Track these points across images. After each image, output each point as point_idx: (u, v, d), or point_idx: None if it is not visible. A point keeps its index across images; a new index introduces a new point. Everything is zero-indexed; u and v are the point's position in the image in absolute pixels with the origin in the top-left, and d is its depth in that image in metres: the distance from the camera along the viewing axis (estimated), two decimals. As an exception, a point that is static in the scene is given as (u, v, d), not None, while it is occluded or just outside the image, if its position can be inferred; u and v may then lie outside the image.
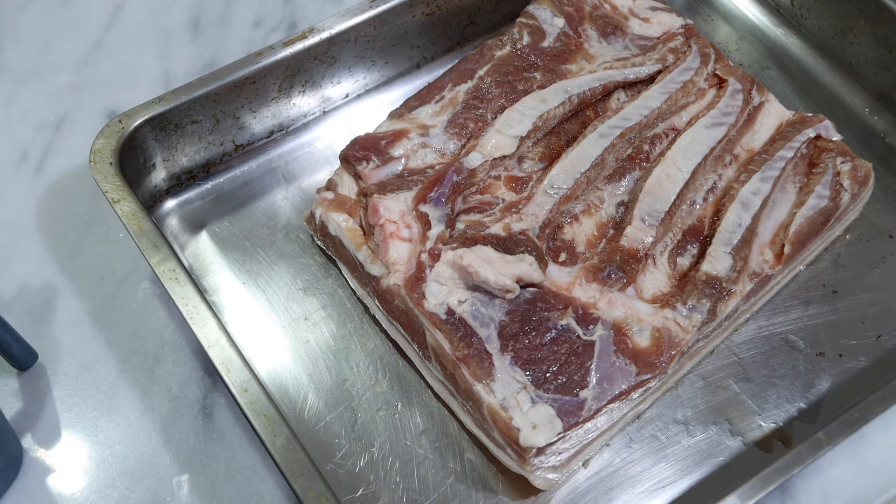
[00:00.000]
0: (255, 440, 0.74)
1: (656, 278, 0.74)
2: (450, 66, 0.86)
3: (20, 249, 0.84)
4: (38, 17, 1.01)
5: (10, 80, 0.96)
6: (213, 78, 0.83)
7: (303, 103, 0.90)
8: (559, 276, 0.73)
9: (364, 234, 0.76)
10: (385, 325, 0.77)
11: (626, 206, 0.77)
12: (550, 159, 0.80)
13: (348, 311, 0.80)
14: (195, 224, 0.85)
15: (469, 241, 0.72)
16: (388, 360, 0.77)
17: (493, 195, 0.77)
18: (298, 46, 0.85)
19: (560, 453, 0.69)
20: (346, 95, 0.92)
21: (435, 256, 0.72)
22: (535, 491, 0.71)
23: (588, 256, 0.75)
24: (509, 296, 0.70)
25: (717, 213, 0.78)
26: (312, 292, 0.81)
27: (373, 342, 0.78)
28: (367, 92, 0.93)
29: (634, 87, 0.85)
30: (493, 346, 0.69)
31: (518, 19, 0.88)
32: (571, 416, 0.66)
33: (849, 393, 0.75)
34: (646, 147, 0.81)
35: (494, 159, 0.78)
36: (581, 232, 0.76)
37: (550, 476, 0.70)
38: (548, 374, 0.68)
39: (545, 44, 0.86)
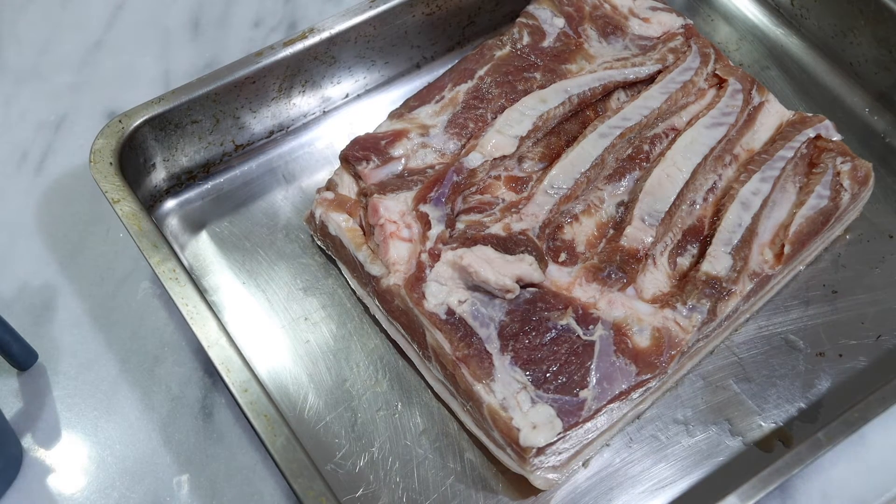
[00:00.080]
0: (255, 440, 0.74)
1: (656, 278, 0.74)
2: (450, 66, 0.86)
3: (20, 249, 0.84)
4: (38, 17, 1.01)
5: (10, 80, 0.96)
6: (213, 78, 0.83)
7: (303, 103, 0.90)
8: (559, 276, 0.73)
9: (364, 234, 0.76)
10: (385, 325, 0.77)
11: (626, 206, 0.77)
12: (550, 159, 0.80)
13: (348, 311, 0.80)
14: (195, 224, 0.85)
15: (469, 241, 0.72)
16: (388, 360, 0.77)
17: (493, 195, 0.77)
18: (298, 46, 0.85)
19: (560, 453, 0.69)
20: (346, 95, 0.92)
21: (435, 256, 0.72)
22: (535, 491, 0.71)
23: (588, 256, 0.75)
24: (509, 296, 0.70)
25: (717, 213, 0.78)
26: (312, 292, 0.81)
27: (373, 342, 0.78)
28: (367, 92, 0.93)
29: (634, 87, 0.85)
30: (493, 346, 0.69)
31: (518, 19, 0.88)
32: (571, 416, 0.66)
33: (849, 393, 0.75)
34: (646, 147, 0.81)
35: (494, 159, 0.78)
36: (581, 232, 0.76)
37: (550, 476, 0.70)
38: (548, 374, 0.68)
39: (545, 44, 0.86)
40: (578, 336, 0.69)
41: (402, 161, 0.79)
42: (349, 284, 0.80)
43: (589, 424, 0.68)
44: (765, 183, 0.78)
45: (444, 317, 0.69)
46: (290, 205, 0.86)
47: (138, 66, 0.97)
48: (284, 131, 0.90)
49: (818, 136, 0.82)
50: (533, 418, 0.66)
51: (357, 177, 0.78)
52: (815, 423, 0.74)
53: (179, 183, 0.87)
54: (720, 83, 0.85)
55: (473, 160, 0.77)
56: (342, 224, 0.76)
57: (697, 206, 0.78)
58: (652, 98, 0.82)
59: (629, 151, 0.80)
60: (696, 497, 0.71)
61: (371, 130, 0.81)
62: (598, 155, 0.78)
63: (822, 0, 0.94)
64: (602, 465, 0.73)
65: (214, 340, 0.69)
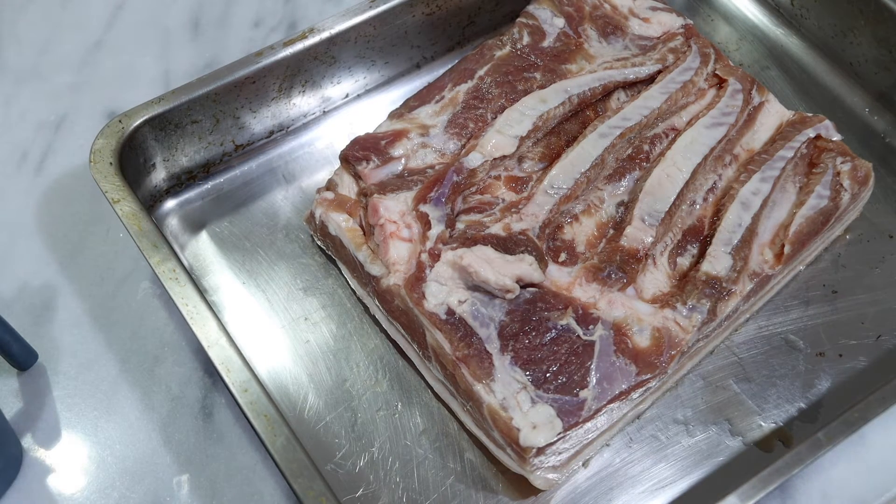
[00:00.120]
0: (255, 440, 0.74)
1: (656, 278, 0.74)
2: (450, 66, 0.86)
3: (20, 249, 0.84)
4: (38, 17, 1.01)
5: (10, 80, 0.96)
6: (213, 78, 0.83)
7: (303, 103, 0.90)
8: (559, 276, 0.73)
9: (364, 234, 0.76)
10: (385, 325, 0.77)
11: (626, 206, 0.77)
12: (550, 159, 0.80)
13: (348, 311, 0.80)
14: (195, 224, 0.85)
15: (469, 241, 0.72)
16: (388, 360, 0.77)
17: (493, 195, 0.77)
18: (298, 46, 0.85)
19: (560, 453, 0.69)
20: (346, 95, 0.92)
21: (435, 256, 0.72)
22: (535, 491, 0.71)
23: (588, 256, 0.75)
24: (509, 296, 0.70)
25: (717, 213, 0.78)
26: (312, 292, 0.81)
27: (373, 342, 0.78)
28: (367, 92, 0.93)
29: (634, 87, 0.85)
30: (493, 346, 0.69)
31: (518, 19, 0.88)
32: (571, 416, 0.66)
33: (849, 393, 0.75)
34: (646, 147, 0.81)
35: (494, 159, 0.78)
36: (581, 232, 0.76)
37: (550, 476, 0.70)
38: (548, 374, 0.68)
39: (545, 44, 0.86)
40: (578, 336, 0.69)
41: (402, 161, 0.79)
42: (349, 284, 0.80)
43: (589, 424, 0.68)
44: (765, 183, 0.78)
45: (444, 317, 0.69)
46: (290, 205, 0.86)
47: (138, 66, 0.97)
48: (284, 131, 0.90)
49: (818, 136, 0.82)
50: (533, 418, 0.66)
51: (357, 177, 0.78)
52: (815, 423, 0.74)
53: (179, 183, 0.87)
54: (720, 83, 0.85)
55: (473, 160, 0.77)
56: (342, 224, 0.76)
57: (697, 206, 0.78)
58: (652, 98, 0.82)
59: (629, 151, 0.80)
60: (696, 497, 0.71)
61: (371, 130, 0.81)
62: (598, 155, 0.78)
63: (822, 0, 0.94)
64: (602, 465, 0.73)
65: (214, 340, 0.69)
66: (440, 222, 0.74)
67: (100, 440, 0.74)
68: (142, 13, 1.01)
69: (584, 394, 0.67)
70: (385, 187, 0.76)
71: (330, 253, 0.81)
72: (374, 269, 0.74)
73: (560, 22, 0.88)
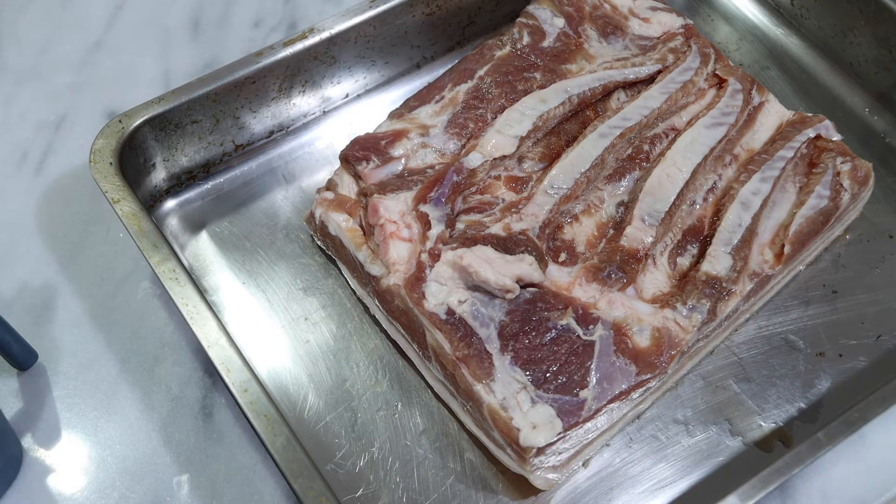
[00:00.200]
0: (255, 440, 0.74)
1: (656, 278, 0.74)
2: (450, 66, 0.86)
3: (20, 249, 0.84)
4: (38, 17, 1.01)
5: (10, 80, 0.96)
6: (213, 78, 0.83)
7: (303, 103, 0.90)
8: (559, 276, 0.73)
9: (364, 234, 0.76)
10: (385, 325, 0.77)
11: (626, 206, 0.77)
12: (550, 159, 0.80)
13: (348, 311, 0.80)
14: (195, 224, 0.85)
15: (469, 241, 0.72)
16: (388, 360, 0.77)
17: (493, 195, 0.77)
18: (298, 46, 0.85)
19: (560, 453, 0.69)
20: (346, 95, 0.92)
21: (435, 256, 0.72)
22: (535, 491, 0.71)
23: (588, 256, 0.75)
24: (509, 296, 0.70)
25: (717, 213, 0.78)
26: (312, 292, 0.81)
27: (373, 342, 0.78)
28: (367, 92, 0.93)
29: (634, 87, 0.85)
30: (493, 346, 0.69)
31: (518, 19, 0.88)
32: (571, 416, 0.66)
33: (849, 393, 0.75)
34: (646, 147, 0.81)
35: (494, 159, 0.78)
36: (581, 232, 0.76)
37: (550, 476, 0.70)
38: (548, 374, 0.68)
39: (545, 44, 0.86)
40: (578, 336, 0.69)
41: (402, 161, 0.79)
42: (349, 284, 0.80)
43: (589, 424, 0.68)
44: (765, 183, 0.78)
45: (444, 317, 0.69)
46: (290, 205, 0.86)
47: (138, 66, 0.97)
48: (284, 131, 0.90)
49: (818, 136, 0.82)
50: (533, 418, 0.66)
51: (357, 177, 0.78)
52: (815, 423, 0.74)
53: (179, 183, 0.87)
54: (720, 83, 0.85)
55: (473, 160, 0.77)
56: (342, 224, 0.76)
57: (697, 206, 0.78)
58: (652, 98, 0.82)
59: (629, 151, 0.80)
60: (696, 497, 0.71)
61: (371, 130, 0.81)
62: (598, 155, 0.78)
63: (822, 0, 0.94)
64: (602, 465, 0.73)
65: (214, 340, 0.69)
66: (440, 222, 0.74)
67: (100, 440, 0.74)
68: (142, 13, 1.01)
69: (584, 394, 0.67)
70: (385, 187, 0.76)
71: (330, 253, 0.81)
72: (374, 269, 0.74)
73: (560, 22, 0.88)
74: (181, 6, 1.01)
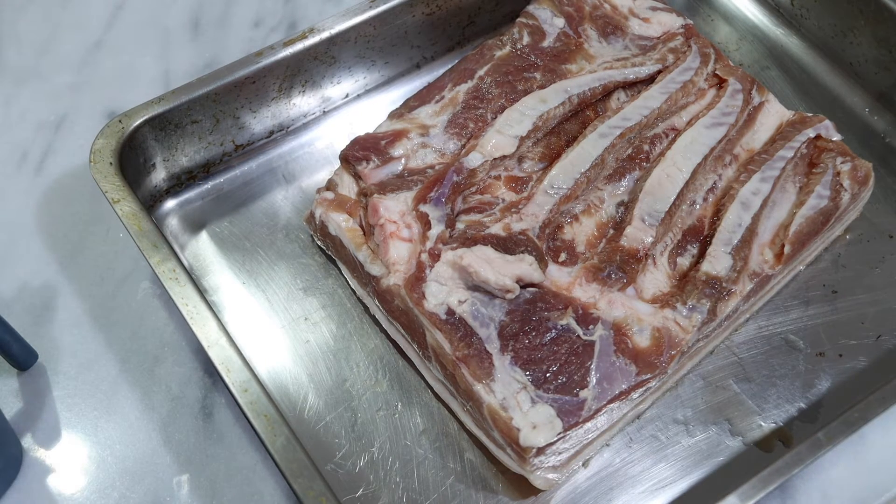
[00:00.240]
0: (255, 440, 0.74)
1: (656, 278, 0.74)
2: (450, 66, 0.86)
3: (20, 249, 0.84)
4: (38, 17, 1.01)
5: (10, 80, 0.96)
6: (213, 78, 0.83)
7: (303, 103, 0.90)
8: (559, 276, 0.73)
9: (364, 234, 0.76)
10: (385, 325, 0.77)
11: (626, 206, 0.77)
12: (550, 159, 0.80)
13: (348, 311, 0.80)
14: (195, 224, 0.85)
15: (469, 241, 0.72)
16: (388, 360, 0.77)
17: (493, 195, 0.77)
18: (298, 46, 0.85)
19: (560, 453, 0.69)
20: (346, 95, 0.92)
21: (435, 256, 0.72)
22: (535, 491, 0.71)
23: (588, 256, 0.75)
24: (509, 296, 0.70)
25: (717, 213, 0.78)
26: (312, 292, 0.81)
27: (373, 342, 0.78)
28: (367, 92, 0.93)
29: (634, 87, 0.85)
30: (493, 346, 0.69)
31: (518, 19, 0.88)
32: (571, 416, 0.66)
33: (849, 393, 0.75)
34: (646, 147, 0.81)
35: (494, 159, 0.78)
36: (581, 232, 0.76)
37: (550, 476, 0.70)
38: (548, 374, 0.68)
39: (545, 44, 0.86)
40: (578, 336, 0.69)
41: (402, 161, 0.79)
42: (349, 284, 0.80)
43: (589, 424, 0.68)
44: (765, 183, 0.78)
45: (444, 317, 0.69)
46: (290, 205, 0.86)
47: (138, 66, 0.97)
48: (284, 131, 0.90)
49: (818, 136, 0.83)
50: (533, 418, 0.66)
51: (357, 177, 0.78)
52: (815, 423, 0.74)
53: (179, 183, 0.87)
54: (720, 83, 0.85)
55: (473, 160, 0.77)
56: (342, 224, 0.76)
57: (697, 206, 0.78)
58: (652, 98, 0.82)
59: (629, 151, 0.80)
60: (696, 497, 0.71)
61: (371, 130, 0.81)
62: (598, 155, 0.78)
63: (822, 0, 0.94)
64: (602, 465, 0.73)
65: (214, 340, 0.69)
66: (440, 222, 0.74)
67: (100, 440, 0.74)
68: (142, 13, 1.01)
69: (584, 394, 0.67)
70: (385, 187, 0.76)
71: (330, 253, 0.81)
72: (374, 269, 0.74)
73: (560, 22, 0.88)
74: (181, 6, 1.01)
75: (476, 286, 0.71)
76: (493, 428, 0.67)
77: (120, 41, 0.99)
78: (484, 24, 0.97)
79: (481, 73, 0.83)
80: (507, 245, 0.72)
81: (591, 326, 0.70)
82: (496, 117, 0.80)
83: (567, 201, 0.76)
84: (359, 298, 0.80)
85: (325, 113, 0.92)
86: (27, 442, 0.74)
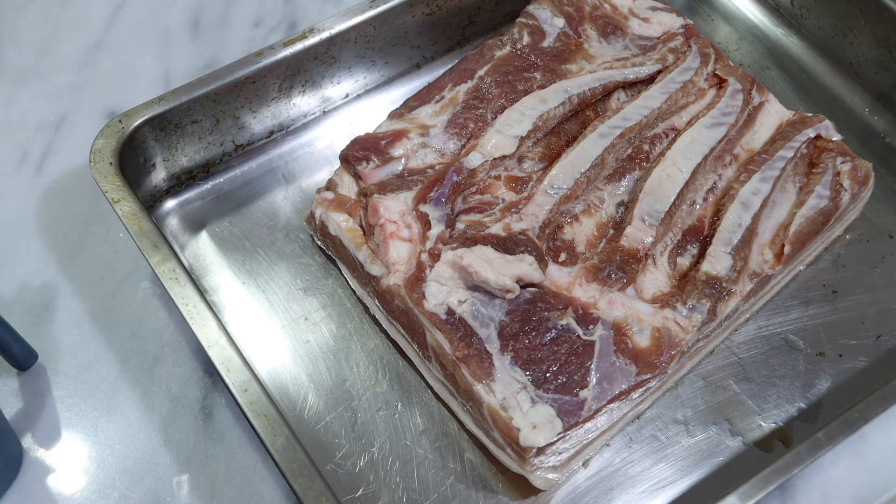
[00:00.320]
0: (255, 440, 0.74)
1: (656, 278, 0.74)
2: (450, 66, 0.86)
3: (20, 249, 0.84)
4: (38, 17, 1.01)
5: (10, 80, 0.96)
6: (213, 78, 0.83)
7: (303, 103, 0.90)
8: (559, 276, 0.73)
9: (364, 234, 0.76)
10: (385, 325, 0.77)
11: (626, 206, 0.77)
12: (550, 159, 0.80)
13: (348, 311, 0.80)
14: (195, 224, 0.85)
15: (469, 241, 0.72)
16: (388, 360, 0.77)
17: (493, 195, 0.77)
18: (298, 46, 0.85)
19: (560, 453, 0.69)
20: (346, 95, 0.92)
21: (435, 256, 0.72)
22: (535, 491, 0.71)
23: (588, 256, 0.75)
24: (509, 296, 0.70)
25: (717, 213, 0.78)
26: (312, 292, 0.81)
27: (373, 342, 0.78)
28: (367, 92, 0.93)
29: (634, 87, 0.85)
30: (493, 346, 0.69)
31: (518, 19, 0.88)
32: (571, 416, 0.66)
33: (849, 393, 0.75)
34: (646, 147, 0.81)
35: (494, 159, 0.78)
36: (581, 232, 0.76)
37: (550, 476, 0.70)
38: (548, 374, 0.68)
39: (545, 44, 0.86)
40: (578, 336, 0.69)
41: (402, 161, 0.79)
42: (349, 284, 0.80)
43: (589, 424, 0.68)
44: (765, 183, 0.78)
45: (444, 317, 0.69)
46: (290, 205, 0.86)
47: (138, 66, 0.97)
48: (284, 131, 0.90)
49: (818, 136, 0.82)
50: (533, 418, 0.66)
51: (357, 177, 0.78)
52: (815, 423, 0.74)
53: (179, 183, 0.87)
54: (720, 83, 0.85)
55: (473, 160, 0.77)
56: (342, 224, 0.76)
57: (697, 206, 0.78)
58: (652, 98, 0.82)
59: (629, 151, 0.80)
60: (696, 497, 0.71)
61: (371, 130, 0.81)
62: (598, 155, 0.78)
63: (822, 0, 0.94)
64: (602, 465, 0.73)
65: (214, 340, 0.69)
66: (440, 222, 0.74)
67: (100, 440, 0.74)
68: (142, 13, 1.01)
69: (584, 394, 0.67)
70: (385, 187, 0.76)
71: (330, 253, 0.81)
72: (374, 269, 0.74)
73: (560, 22, 0.88)
74: (181, 6, 1.01)
75: (476, 286, 0.71)
76: (493, 428, 0.67)
77: (120, 41, 0.99)
78: (484, 24, 0.97)
79: (481, 73, 0.83)
80: (507, 245, 0.72)
81: (591, 326, 0.70)
82: (496, 117, 0.80)
83: (567, 201, 0.76)
84: (359, 298, 0.80)
85: (325, 113, 0.92)
86: (27, 442, 0.74)
